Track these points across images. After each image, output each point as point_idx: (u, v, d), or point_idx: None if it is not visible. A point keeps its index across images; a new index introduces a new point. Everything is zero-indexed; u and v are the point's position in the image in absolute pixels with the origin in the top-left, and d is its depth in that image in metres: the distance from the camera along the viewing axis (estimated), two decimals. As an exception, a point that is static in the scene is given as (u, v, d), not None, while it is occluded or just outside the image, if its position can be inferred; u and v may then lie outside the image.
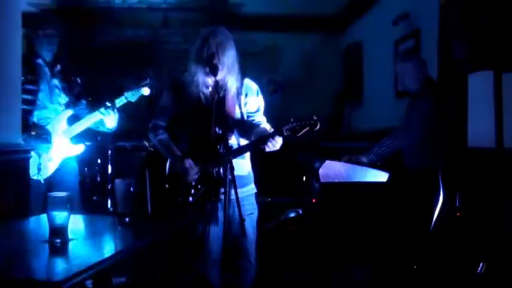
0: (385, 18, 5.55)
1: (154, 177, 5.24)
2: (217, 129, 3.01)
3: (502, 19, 3.22)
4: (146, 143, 5.17)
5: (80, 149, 4.02)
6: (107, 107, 3.90)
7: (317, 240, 3.82)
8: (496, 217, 2.98)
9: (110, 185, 4.72)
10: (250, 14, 7.06)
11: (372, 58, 6.36)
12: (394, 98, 5.30)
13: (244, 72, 3.17)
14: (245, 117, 3.14)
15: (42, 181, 3.78)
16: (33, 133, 3.74)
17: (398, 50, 5.37)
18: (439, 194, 3.49)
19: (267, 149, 2.93)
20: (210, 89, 3.06)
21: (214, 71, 2.98)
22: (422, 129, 3.76)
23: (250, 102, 3.16)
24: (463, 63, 3.39)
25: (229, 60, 3.04)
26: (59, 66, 3.97)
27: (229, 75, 3.06)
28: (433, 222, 3.47)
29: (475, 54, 3.05)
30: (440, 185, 3.50)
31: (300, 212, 4.03)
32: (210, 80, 3.04)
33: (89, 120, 3.94)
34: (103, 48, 7.00)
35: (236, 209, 2.91)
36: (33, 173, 3.71)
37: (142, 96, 4.06)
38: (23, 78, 3.69)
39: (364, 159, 3.96)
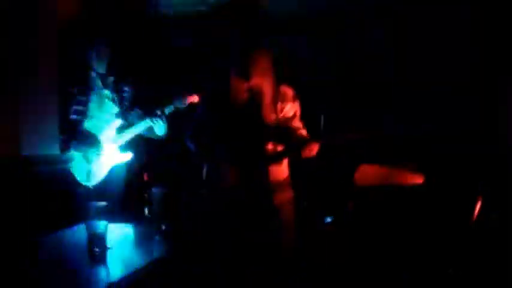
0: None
1: (191, 183, 5.27)
2: (253, 136, 3.04)
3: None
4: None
5: (128, 156, 4.09)
6: (156, 115, 3.96)
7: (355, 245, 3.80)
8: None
9: (147, 192, 4.77)
10: (280, 18, 7.04)
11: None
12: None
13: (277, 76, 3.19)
14: (282, 123, 3.16)
15: (91, 187, 3.86)
16: (82, 140, 3.82)
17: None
18: (477, 196, 3.45)
19: (304, 155, 2.95)
20: (246, 95, 3.09)
21: (247, 78, 3.01)
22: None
23: (287, 108, 3.18)
24: (492, 65, 3.36)
25: (262, 66, 3.06)
26: (111, 78, 4.05)
27: (263, 81, 3.08)
28: (471, 225, 3.43)
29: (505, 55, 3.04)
30: (479, 186, 3.46)
31: (337, 217, 4.01)
32: (245, 86, 3.07)
33: (137, 129, 4.02)
34: (153, 56, 7.08)
35: (274, 214, 2.93)
36: (82, 179, 3.79)
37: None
38: (75, 89, 3.78)
39: None
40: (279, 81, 3.21)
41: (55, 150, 3.69)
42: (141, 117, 4.05)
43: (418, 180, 3.62)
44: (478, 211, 3.43)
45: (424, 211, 3.58)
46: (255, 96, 3.08)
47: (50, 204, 3.42)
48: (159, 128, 4.03)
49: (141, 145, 4.64)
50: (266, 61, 3.10)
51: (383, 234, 3.65)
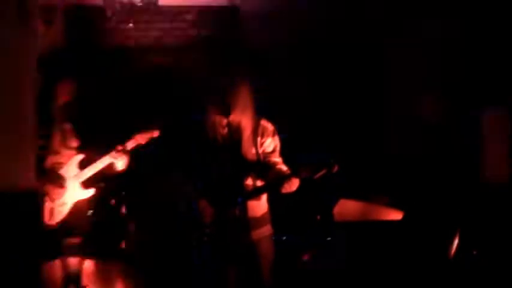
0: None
1: (168, 218, 5.22)
2: (232, 171, 3.02)
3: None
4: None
5: (91, 192, 4.05)
6: (118, 151, 3.94)
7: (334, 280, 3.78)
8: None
9: (124, 226, 4.71)
10: (261, 53, 7.11)
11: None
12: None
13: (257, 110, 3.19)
14: (261, 158, 3.15)
15: (56, 226, 3.79)
16: (47, 179, 3.77)
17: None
18: (455, 232, 3.46)
19: (283, 191, 2.93)
20: (226, 129, 3.08)
21: (227, 112, 3.00)
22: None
23: (267, 142, 3.17)
24: (475, 99, 3.41)
25: (241, 100, 3.06)
26: (70, 110, 4.02)
27: (243, 115, 3.08)
28: (449, 260, 3.43)
29: (487, 90, 3.09)
30: (456, 222, 3.48)
31: (315, 254, 3.99)
32: (225, 121, 3.06)
33: (100, 165, 3.98)
34: (119, 88, 7.07)
35: (252, 250, 2.90)
36: (46, 217, 3.73)
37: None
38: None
39: None
40: (258, 115, 3.21)
41: (31, 182, 3.61)
42: (102, 153, 4.02)
43: (397, 216, 3.63)
44: (457, 247, 3.44)
45: (403, 247, 3.58)
46: (235, 131, 3.08)
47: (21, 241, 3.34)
48: (121, 163, 4.00)
49: (116, 179, 4.61)
50: (246, 96, 3.10)
51: (362, 270, 3.63)
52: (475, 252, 3.25)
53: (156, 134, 4.09)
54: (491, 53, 3.63)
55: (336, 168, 2.84)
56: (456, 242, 3.48)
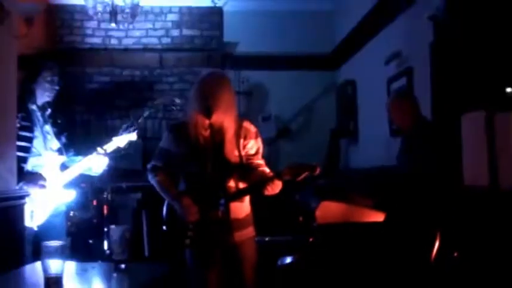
0: (378, 56, 5.61)
1: (151, 219, 5.22)
2: (215, 172, 3.02)
3: (492, 60, 3.28)
4: (139, 184, 5.21)
5: (72, 195, 4.04)
6: (98, 153, 3.96)
7: (315, 282, 3.79)
8: (493, 256, 2.98)
9: (106, 228, 4.71)
10: (244, 54, 7.14)
11: (366, 96, 6.41)
12: (389, 136, 5.33)
13: (239, 111, 3.20)
14: (244, 160, 3.15)
15: (36, 228, 3.77)
16: (28, 180, 3.75)
17: (390, 88, 5.42)
18: (436, 233, 3.49)
19: (266, 193, 2.94)
20: (209, 131, 3.07)
21: (208, 113, 3.00)
22: (417, 170, 3.76)
23: (249, 144, 3.17)
24: (455, 103, 3.44)
25: (224, 102, 3.06)
26: (49, 111, 4.00)
27: (225, 117, 3.07)
28: (431, 262, 3.46)
29: (467, 95, 3.13)
30: (437, 224, 3.50)
31: (297, 256, 4.01)
32: (207, 122, 3.06)
33: (81, 167, 3.98)
34: (99, 89, 7.04)
35: (234, 252, 2.91)
36: (26, 220, 3.70)
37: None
38: (18, 124, 3.71)
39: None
40: (241, 117, 3.22)
41: (12, 185, 3.58)
42: (83, 155, 4.02)
43: (379, 218, 3.65)
44: (437, 249, 3.47)
45: (384, 248, 3.60)
46: (217, 132, 3.08)
47: (2, 243, 3.31)
48: (99, 166, 4.02)
49: (100, 180, 4.60)
50: (228, 97, 3.10)
51: (344, 272, 3.65)
52: (456, 254, 3.28)
53: (134, 136, 4.12)
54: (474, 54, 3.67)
55: (318, 171, 2.85)
56: (437, 244, 3.51)
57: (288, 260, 3.98)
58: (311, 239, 3.94)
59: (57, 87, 4.01)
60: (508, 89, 3.16)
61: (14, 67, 3.68)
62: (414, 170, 3.79)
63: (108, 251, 4.73)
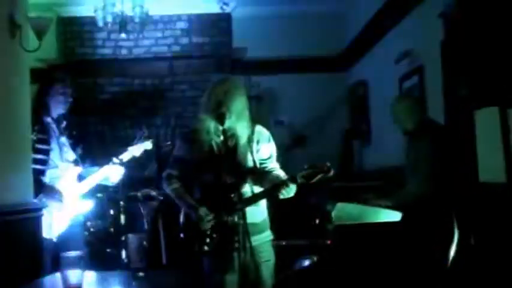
0: (388, 56, 5.60)
1: (168, 227, 5.23)
2: (229, 178, 3.03)
3: (504, 56, 3.25)
4: (154, 193, 5.22)
5: (89, 205, 4.07)
6: (114, 163, 3.98)
7: (334, 285, 3.79)
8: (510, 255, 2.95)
9: (123, 236, 4.72)
10: (254, 59, 7.15)
11: (378, 96, 6.39)
12: (402, 135, 5.30)
13: (251, 116, 3.20)
14: (258, 164, 3.15)
15: (55, 239, 3.80)
16: (46, 193, 3.78)
17: (402, 87, 5.40)
18: (454, 231, 3.47)
19: (281, 196, 2.94)
20: (222, 137, 3.08)
21: (221, 119, 3.01)
22: (424, 169, 3.72)
23: (262, 149, 3.18)
24: (468, 100, 3.42)
25: (237, 108, 3.06)
26: (64, 123, 4.03)
27: (238, 122, 3.08)
28: (449, 260, 3.44)
29: (479, 91, 3.10)
30: (455, 222, 3.49)
31: (315, 258, 4.00)
32: (220, 128, 3.06)
33: (98, 178, 4.00)
34: (111, 99, 7.08)
35: (252, 257, 2.91)
36: (44, 231, 3.73)
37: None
38: (34, 137, 3.74)
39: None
40: (254, 122, 3.22)
41: (29, 197, 3.61)
42: (100, 165, 4.05)
43: (395, 217, 3.64)
44: (456, 245, 3.45)
45: (401, 249, 3.58)
46: (230, 138, 3.08)
47: (21, 255, 3.34)
48: (116, 175, 4.04)
49: (115, 189, 4.62)
50: (241, 103, 3.11)
51: (363, 272, 3.64)
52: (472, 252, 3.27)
53: (149, 145, 4.14)
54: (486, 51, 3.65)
55: (331, 173, 2.85)
56: (455, 243, 3.49)
57: (306, 263, 3.98)
58: (328, 242, 3.94)
59: (70, 99, 4.05)
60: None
61: (26, 80, 3.72)
62: (416, 169, 3.75)
63: (126, 260, 4.76)
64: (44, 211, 3.69)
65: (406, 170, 3.96)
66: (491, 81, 3.39)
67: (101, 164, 4.06)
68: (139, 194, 5.60)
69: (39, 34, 3.57)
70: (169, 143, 5.97)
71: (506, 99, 2.89)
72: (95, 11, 5.55)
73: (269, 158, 3.20)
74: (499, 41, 3.40)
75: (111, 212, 5.26)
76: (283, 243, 4.55)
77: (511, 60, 3.30)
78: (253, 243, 2.96)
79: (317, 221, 4.32)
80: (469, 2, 3.84)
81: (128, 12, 5.60)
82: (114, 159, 4.02)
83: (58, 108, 3.99)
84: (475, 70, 3.64)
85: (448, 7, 4.03)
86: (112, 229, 5.23)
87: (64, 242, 3.79)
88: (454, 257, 3.49)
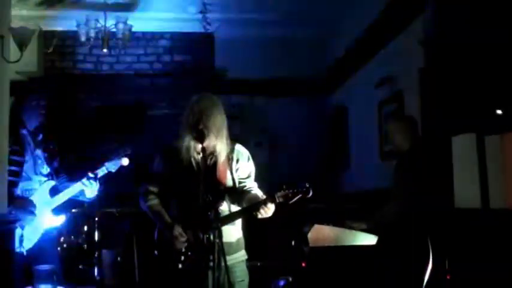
0: (368, 81, 5.66)
1: (142, 244, 5.17)
2: (207, 196, 3.01)
3: (481, 83, 3.33)
4: (129, 209, 5.19)
5: (61, 219, 4.02)
6: (89, 178, 3.94)
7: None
8: (486, 278, 2.97)
9: (96, 253, 4.66)
10: (235, 79, 7.17)
11: (357, 121, 6.44)
12: (380, 159, 5.35)
13: (231, 136, 3.19)
14: (236, 183, 3.14)
15: (25, 253, 3.73)
16: (18, 205, 3.72)
17: (381, 112, 5.46)
18: (429, 256, 3.49)
19: (259, 216, 2.93)
20: (201, 154, 3.07)
21: (200, 137, 3.00)
22: (414, 189, 3.71)
23: (241, 167, 3.17)
24: (445, 126, 3.46)
25: (215, 125, 3.06)
26: (40, 136, 3.99)
27: (217, 140, 3.07)
28: (423, 285, 3.45)
29: (456, 118, 3.15)
30: (429, 246, 3.50)
31: (290, 279, 3.99)
32: (200, 146, 3.05)
33: (71, 192, 3.96)
34: (91, 114, 7.04)
35: (226, 276, 2.88)
36: (16, 244, 3.66)
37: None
38: (9, 148, 3.69)
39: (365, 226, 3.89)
40: (233, 141, 3.22)
41: (3, 209, 3.55)
42: (72, 180, 4.00)
43: (371, 241, 3.65)
44: (431, 270, 3.47)
45: (376, 272, 3.59)
46: (210, 156, 3.07)
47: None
48: (91, 190, 4.00)
49: (90, 205, 4.57)
50: (220, 121, 3.11)
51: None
52: (448, 277, 3.28)
53: (126, 161, 4.10)
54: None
55: (310, 193, 2.85)
56: (429, 267, 3.50)
57: (281, 284, 3.96)
58: (303, 263, 3.93)
59: (43, 112, 4.00)
60: (499, 111, 3.19)
61: (6, 91, 3.68)
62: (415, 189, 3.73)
63: (98, 277, 4.70)
64: (16, 224, 3.62)
65: (393, 190, 3.95)
66: (469, 108, 3.45)
67: (76, 179, 4.02)
68: (114, 210, 5.55)
69: (21, 45, 3.54)
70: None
71: (483, 126, 2.94)
72: (78, 25, 5.53)
73: (248, 177, 3.20)
74: (477, 69, 3.47)
75: (85, 228, 5.20)
76: (259, 263, 4.53)
77: (488, 88, 3.37)
78: (228, 263, 2.94)
79: (293, 243, 4.31)
80: (448, 31, 3.91)
81: (111, 28, 5.60)
82: (90, 174, 3.98)
83: (32, 120, 3.95)
84: (452, 97, 3.70)
85: (428, 35, 4.09)
86: (85, 245, 5.16)
87: (36, 256, 3.72)
88: (428, 281, 3.50)
